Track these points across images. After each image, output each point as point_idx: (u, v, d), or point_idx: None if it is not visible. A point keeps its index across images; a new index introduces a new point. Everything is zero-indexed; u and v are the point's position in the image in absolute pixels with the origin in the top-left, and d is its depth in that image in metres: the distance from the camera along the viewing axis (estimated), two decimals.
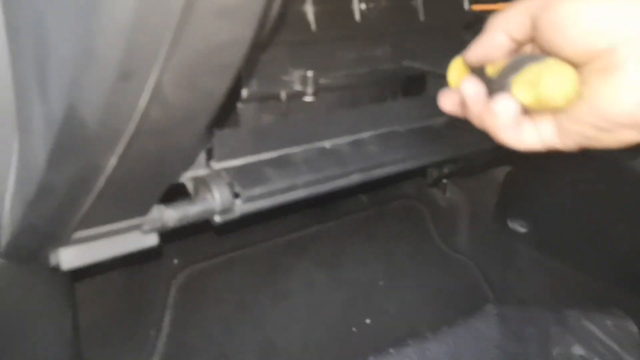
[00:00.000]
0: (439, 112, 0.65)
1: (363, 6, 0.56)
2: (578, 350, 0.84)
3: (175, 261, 0.79)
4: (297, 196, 0.48)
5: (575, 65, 0.35)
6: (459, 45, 0.68)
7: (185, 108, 0.28)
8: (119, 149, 0.28)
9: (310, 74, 0.52)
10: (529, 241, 0.92)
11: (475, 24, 0.69)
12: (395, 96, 0.65)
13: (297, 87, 0.53)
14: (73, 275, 0.53)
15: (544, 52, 0.36)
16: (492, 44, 0.38)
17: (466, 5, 0.64)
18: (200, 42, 0.25)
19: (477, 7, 0.69)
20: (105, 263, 0.72)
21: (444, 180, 0.99)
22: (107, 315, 0.72)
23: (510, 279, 0.93)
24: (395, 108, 0.60)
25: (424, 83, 0.68)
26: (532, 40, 0.37)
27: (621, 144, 0.37)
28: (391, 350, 0.82)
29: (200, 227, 0.75)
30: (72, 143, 0.28)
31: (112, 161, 0.29)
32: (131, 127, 0.27)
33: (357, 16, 0.55)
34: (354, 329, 0.84)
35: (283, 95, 0.53)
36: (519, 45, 0.37)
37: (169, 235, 0.80)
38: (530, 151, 0.38)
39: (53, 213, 0.33)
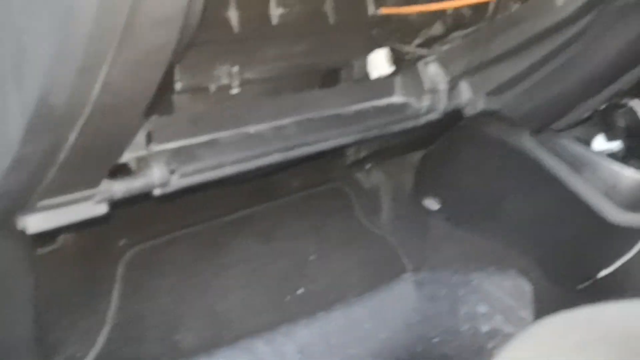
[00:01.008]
0: (351, 101, 0.75)
1: (280, 11, 0.66)
2: (482, 308, 0.97)
3: (122, 241, 0.87)
4: (225, 173, 0.57)
5: None
6: (368, 42, 0.79)
7: (128, 95, 0.37)
8: (78, 127, 0.37)
9: (235, 69, 0.62)
10: (441, 216, 1.04)
11: (383, 24, 0.80)
12: (313, 88, 0.75)
13: (225, 81, 0.63)
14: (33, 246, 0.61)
15: None
16: None
17: (371, 10, 0.75)
18: (138, 45, 0.34)
19: (386, 10, 0.80)
20: (57, 242, 0.80)
21: (367, 166, 1.11)
22: (59, 291, 0.79)
23: (425, 250, 1.05)
24: (312, 98, 0.70)
25: (338, 75, 0.78)
26: None
27: None
28: (320, 314, 0.92)
29: (145, 211, 0.83)
30: (42, 123, 0.36)
31: (72, 137, 0.38)
32: (87, 110, 0.36)
33: (274, 20, 0.65)
34: (288, 297, 0.94)
35: (212, 87, 0.62)
36: None
37: (116, 218, 0.88)
38: None
39: (23, 183, 0.42)
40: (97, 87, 0.35)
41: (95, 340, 0.79)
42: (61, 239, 0.78)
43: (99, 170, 0.46)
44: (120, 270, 0.85)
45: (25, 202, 0.44)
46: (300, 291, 0.96)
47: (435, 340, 0.97)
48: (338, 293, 0.97)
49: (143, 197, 0.54)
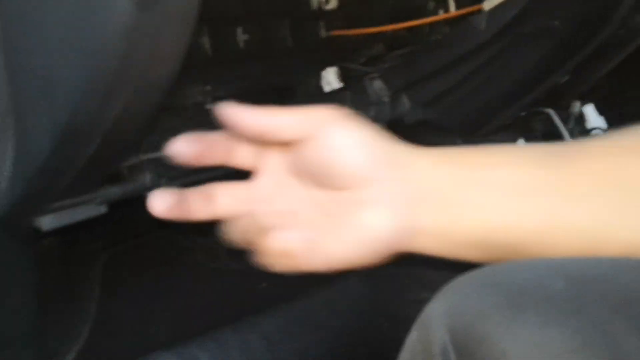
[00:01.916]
0: None
1: (245, 37, 0.75)
2: (425, 294, 1.08)
3: (98, 245, 0.95)
4: (205, 176, 0.67)
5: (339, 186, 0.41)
6: (320, 61, 0.90)
7: (139, 113, 0.46)
8: (97, 141, 0.46)
9: (208, 87, 0.72)
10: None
11: (332, 45, 0.91)
12: (273, 102, 0.85)
13: (199, 98, 0.72)
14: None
15: (305, 164, 0.42)
16: (250, 120, 0.44)
17: (322, 34, 0.85)
18: (151, 75, 0.44)
19: (336, 33, 0.91)
20: (43, 246, 0.87)
21: None
22: (43, 291, 0.86)
23: None
24: None
25: (295, 91, 0.89)
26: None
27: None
28: (282, 305, 1.02)
29: (118, 217, 0.90)
30: (69, 138, 0.45)
31: (91, 149, 0.47)
32: (107, 126, 0.45)
33: (241, 45, 0.75)
34: (252, 292, 1.04)
35: (188, 104, 0.72)
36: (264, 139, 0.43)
37: (91, 224, 0.96)
38: None
39: (44, 187, 0.50)
40: (117, 109, 0.44)
41: (78, 335, 0.87)
42: (46, 242, 0.85)
43: (102, 176, 0.55)
44: (97, 271, 0.93)
45: (43, 204, 0.53)
46: (263, 285, 1.05)
47: (386, 325, 1.08)
48: (298, 286, 1.07)
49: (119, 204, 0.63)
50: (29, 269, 0.61)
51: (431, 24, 0.92)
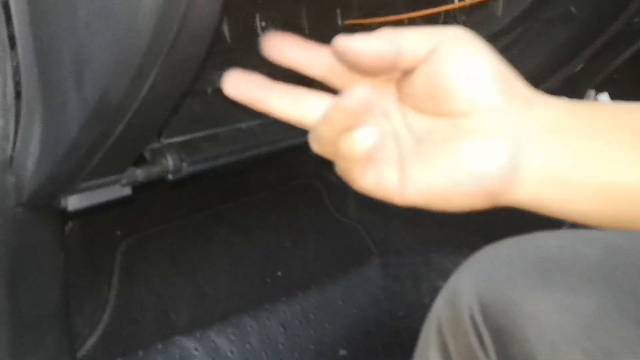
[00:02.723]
0: None
1: (264, 24, 0.76)
2: (440, 283, 1.09)
3: (118, 233, 0.96)
4: (224, 161, 0.68)
5: (455, 111, 0.34)
6: None
7: (167, 94, 0.47)
8: (125, 120, 0.47)
9: None
10: (402, 205, 1.16)
11: (349, 33, 0.92)
12: None
13: (219, 84, 0.73)
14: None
15: (420, 89, 0.35)
16: (373, 46, 0.36)
17: (339, 21, 0.86)
18: (178, 55, 0.44)
19: (350, 22, 0.92)
20: (66, 231, 0.88)
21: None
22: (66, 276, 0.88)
23: (388, 236, 1.17)
24: None
25: (312, 79, 0.89)
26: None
27: (459, 208, 0.35)
28: (298, 293, 1.03)
29: (136, 206, 0.92)
30: (98, 117, 0.46)
31: (119, 129, 0.48)
32: (135, 106, 0.46)
33: (260, 32, 0.75)
34: (268, 280, 1.05)
35: (209, 90, 0.72)
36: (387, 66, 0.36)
37: (111, 212, 0.97)
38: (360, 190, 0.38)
39: (73, 167, 0.51)
40: (146, 88, 0.45)
41: (99, 320, 0.88)
42: (68, 227, 0.87)
43: (129, 157, 0.56)
44: (117, 259, 0.94)
45: (70, 184, 0.54)
46: (279, 274, 1.06)
47: (401, 313, 1.09)
48: (313, 275, 1.08)
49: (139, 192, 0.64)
50: (56, 250, 0.63)
51: (447, 12, 0.92)
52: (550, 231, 0.38)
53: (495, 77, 0.35)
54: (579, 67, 0.94)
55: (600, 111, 0.36)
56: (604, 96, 1.08)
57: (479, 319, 0.32)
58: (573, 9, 0.77)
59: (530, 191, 0.34)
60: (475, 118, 0.34)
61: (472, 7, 0.87)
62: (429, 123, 0.36)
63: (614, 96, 1.08)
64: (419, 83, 0.35)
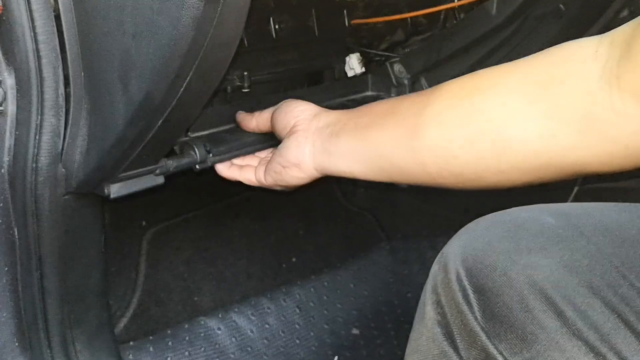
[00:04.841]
0: (334, 96, 0.92)
1: (277, 27, 0.83)
2: None
3: (144, 222, 1.04)
4: (246, 152, 0.75)
5: (282, 134, 0.68)
6: (344, 48, 0.97)
7: (199, 93, 0.54)
8: (164, 116, 0.54)
9: (246, 73, 0.80)
10: (409, 192, 1.23)
11: (355, 33, 0.98)
12: (303, 85, 0.93)
13: (238, 83, 0.80)
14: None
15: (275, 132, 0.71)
16: (246, 123, 0.75)
17: (346, 22, 0.93)
18: (210, 59, 0.51)
19: (356, 22, 0.98)
20: None
21: None
22: None
23: (396, 222, 1.24)
24: (304, 93, 0.88)
25: (322, 75, 0.96)
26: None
27: (295, 180, 0.68)
28: (312, 277, 1.10)
29: (160, 198, 0.99)
30: (141, 114, 0.53)
31: (159, 123, 0.55)
32: (173, 103, 0.53)
33: (274, 34, 0.82)
34: (283, 264, 1.12)
35: (229, 89, 0.80)
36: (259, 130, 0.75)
37: (137, 204, 1.04)
38: (249, 184, 0.74)
39: (118, 157, 0.58)
40: (182, 88, 0.52)
41: (129, 302, 0.96)
42: None
43: (164, 149, 0.63)
44: (144, 246, 1.02)
45: (113, 174, 0.61)
46: (293, 259, 1.13)
47: (409, 295, 1.16)
48: (325, 260, 1.15)
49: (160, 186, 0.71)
50: (98, 233, 0.70)
51: (447, 11, 0.99)
52: (525, 206, 0.45)
53: (294, 109, 0.69)
54: None
55: (369, 107, 0.65)
56: None
57: (464, 278, 0.39)
58: (562, 6, 0.84)
59: (313, 161, 0.65)
60: (287, 131, 0.68)
61: (469, 5, 0.93)
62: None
63: None
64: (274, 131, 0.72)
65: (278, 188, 0.72)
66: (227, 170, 0.73)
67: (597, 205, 0.43)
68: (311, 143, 0.65)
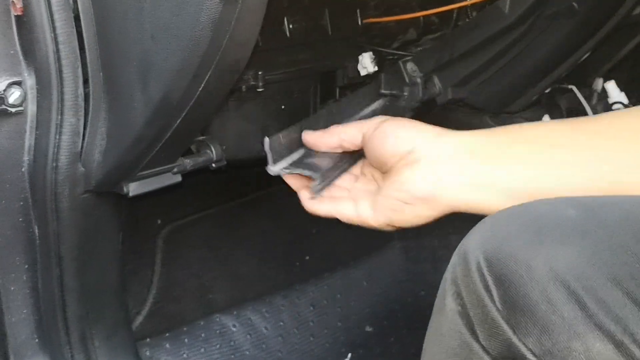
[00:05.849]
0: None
1: (291, 26, 0.84)
2: None
3: (159, 221, 1.05)
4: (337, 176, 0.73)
5: (390, 163, 0.55)
6: (357, 47, 0.98)
7: (216, 92, 0.55)
8: (182, 115, 0.55)
9: (260, 73, 0.81)
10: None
11: (367, 32, 0.99)
12: (316, 85, 0.94)
13: (252, 82, 0.81)
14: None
15: (369, 158, 0.58)
16: (326, 141, 0.62)
17: (358, 21, 0.93)
18: (227, 59, 0.52)
19: (368, 20, 0.99)
20: None
21: None
22: None
23: None
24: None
25: (335, 74, 0.97)
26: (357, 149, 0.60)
27: (418, 219, 0.55)
28: (325, 275, 1.11)
29: (175, 196, 1.00)
30: (160, 113, 0.54)
31: (176, 123, 0.56)
32: (191, 103, 0.54)
33: (288, 33, 0.83)
34: (297, 263, 1.13)
35: (244, 87, 0.80)
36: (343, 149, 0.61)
37: (152, 202, 1.05)
38: (347, 221, 0.59)
39: (136, 156, 0.59)
40: (200, 88, 0.53)
41: (145, 300, 0.97)
42: None
43: (181, 148, 0.64)
44: (159, 245, 1.03)
45: (132, 173, 0.62)
46: (306, 258, 1.14)
47: (422, 293, 1.16)
48: (338, 259, 1.16)
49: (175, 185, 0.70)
50: (115, 232, 0.71)
51: (459, 10, 0.99)
52: (543, 198, 0.45)
53: (404, 132, 0.56)
54: (584, 57, 1.00)
55: (502, 133, 0.55)
56: (611, 84, 1.14)
57: (484, 269, 0.39)
58: (575, 4, 0.84)
59: (453, 196, 0.54)
60: (400, 160, 0.55)
61: (482, 4, 0.94)
62: (383, 174, 0.58)
63: (621, 84, 1.14)
64: (368, 156, 0.60)
65: (389, 229, 0.59)
66: (318, 205, 0.62)
67: (619, 197, 0.43)
68: (447, 173, 0.53)
